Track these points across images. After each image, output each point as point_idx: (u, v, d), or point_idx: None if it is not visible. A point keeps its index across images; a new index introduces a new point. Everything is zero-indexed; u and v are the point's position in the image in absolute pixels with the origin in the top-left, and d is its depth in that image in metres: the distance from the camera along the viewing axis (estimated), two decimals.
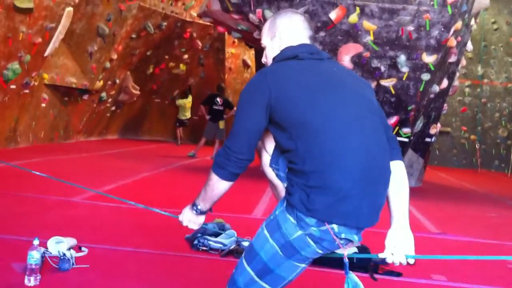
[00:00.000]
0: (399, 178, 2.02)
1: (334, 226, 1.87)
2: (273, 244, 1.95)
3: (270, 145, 2.11)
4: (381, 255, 1.93)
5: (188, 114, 15.79)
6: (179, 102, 15.84)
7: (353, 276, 1.94)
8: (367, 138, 1.94)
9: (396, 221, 1.95)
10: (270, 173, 2.13)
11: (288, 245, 1.92)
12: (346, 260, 1.94)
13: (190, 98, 15.82)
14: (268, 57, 2.20)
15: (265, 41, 2.21)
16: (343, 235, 1.89)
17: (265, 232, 1.98)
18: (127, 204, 5.45)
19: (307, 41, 2.14)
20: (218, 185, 2.05)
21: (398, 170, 2.03)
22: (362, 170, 1.89)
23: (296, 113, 1.91)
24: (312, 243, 1.91)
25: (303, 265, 1.99)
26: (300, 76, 1.98)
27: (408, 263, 1.90)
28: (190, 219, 2.19)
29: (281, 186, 2.11)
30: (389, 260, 1.91)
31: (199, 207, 2.15)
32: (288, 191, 1.95)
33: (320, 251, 1.95)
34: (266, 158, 2.13)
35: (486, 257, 2.97)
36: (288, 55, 2.07)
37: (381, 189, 1.96)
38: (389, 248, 1.92)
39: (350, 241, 1.93)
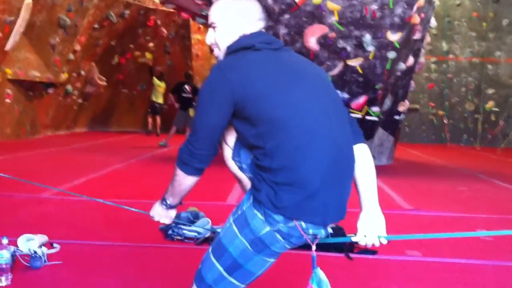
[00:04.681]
0: (364, 161, 2.01)
1: (302, 222, 1.87)
2: (242, 240, 1.93)
3: (230, 138, 2.06)
4: (354, 239, 1.95)
5: (161, 100, 15.43)
6: (155, 81, 15.42)
7: (319, 271, 1.94)
8: (334, 130, 1.92)
9: (366, 204, 1.96)
10: (233, 166, 2.09)
11: (257, 241, 1.91)
12: (314, 254, 1.94)
13: (163, 84, 15.49)
14: (220, 41, 2.05)
15: (218, 20, 2.04)
16: (310, 231, 1.90)
17: (234, 227, 1.96)
18: (98, 198, 5.38)
19: (262, 25, 2.06)
20: (185, 181, 2.03)
21: (363, 153, 2.02)
22: (330, 165, 1.88)
23: (266, 110, 1.86)
24: (280, 238, 1.90)
25: (272, 260, 1.99)
26: (262, 70, 1.91)
27: (381, 244, 1.92)
28: (161, 214, 2.18)
29: (246, 179, 2.08)
30: (362, 243, 1.93)
31: (168, 202, 2.14)
32: (255, 186, 1.92)
33: (289, 246, 1.95)
34: (228, 151, 2.08)
35: (458, 234, 3.01)
36: (244, 45, 1.98)
37: (348, 181, 1.96)
38: (362, 230, 1.94)
39: (318, 236, 1.94)
